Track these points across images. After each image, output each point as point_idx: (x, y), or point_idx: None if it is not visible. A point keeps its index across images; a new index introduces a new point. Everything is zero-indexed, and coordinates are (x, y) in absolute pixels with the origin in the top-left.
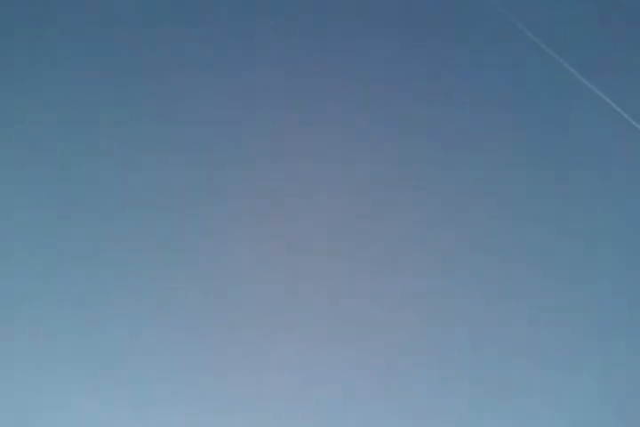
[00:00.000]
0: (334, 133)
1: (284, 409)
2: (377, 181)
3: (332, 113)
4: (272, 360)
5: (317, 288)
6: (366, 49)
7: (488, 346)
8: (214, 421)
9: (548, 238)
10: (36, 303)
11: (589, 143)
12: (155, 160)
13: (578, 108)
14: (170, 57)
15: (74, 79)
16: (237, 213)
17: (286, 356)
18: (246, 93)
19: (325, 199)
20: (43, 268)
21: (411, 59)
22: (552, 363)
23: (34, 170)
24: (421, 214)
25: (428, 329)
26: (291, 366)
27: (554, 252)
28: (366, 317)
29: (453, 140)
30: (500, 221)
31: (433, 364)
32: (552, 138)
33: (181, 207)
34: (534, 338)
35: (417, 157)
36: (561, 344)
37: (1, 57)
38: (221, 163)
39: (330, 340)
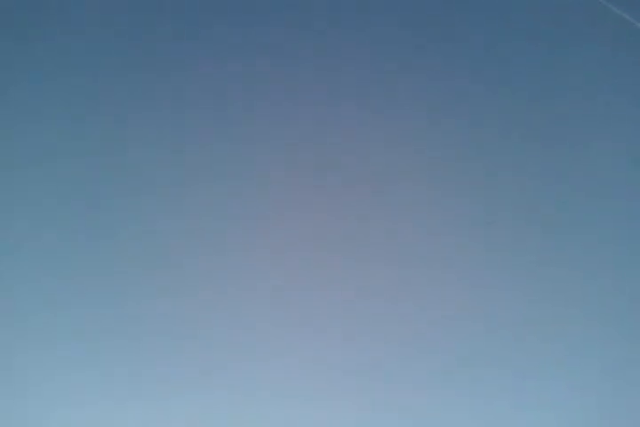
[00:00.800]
0: (336, 133)
1: (284, 404)
2: (378, 179)
3: (333, 113)
4: (272, 355)
5: (317, 285)
6: (368, 47)
7: (488, 344)
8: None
9: (547, 238)
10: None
11: None
12: (153, 159)
13: None
14: (170, 57)
15: (74, 79)
16: (239, 211)
17: (286, 349)
18: (247, 93)
19: (326, 197)
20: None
21: (414, 58)
22: (551, 362)
23: (33, 169)
24: (422, 212)
25: (427, 327)
26: (291, 360)
27: (555, 251)
28: (366, 314)
29: (457, 138)
30: (501, 219)
31: (432, 361)
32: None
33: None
34: (536, 337)
35: (417, 155)
36: (561, 343)
37: (1, 57)
38: (222, 162)
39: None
